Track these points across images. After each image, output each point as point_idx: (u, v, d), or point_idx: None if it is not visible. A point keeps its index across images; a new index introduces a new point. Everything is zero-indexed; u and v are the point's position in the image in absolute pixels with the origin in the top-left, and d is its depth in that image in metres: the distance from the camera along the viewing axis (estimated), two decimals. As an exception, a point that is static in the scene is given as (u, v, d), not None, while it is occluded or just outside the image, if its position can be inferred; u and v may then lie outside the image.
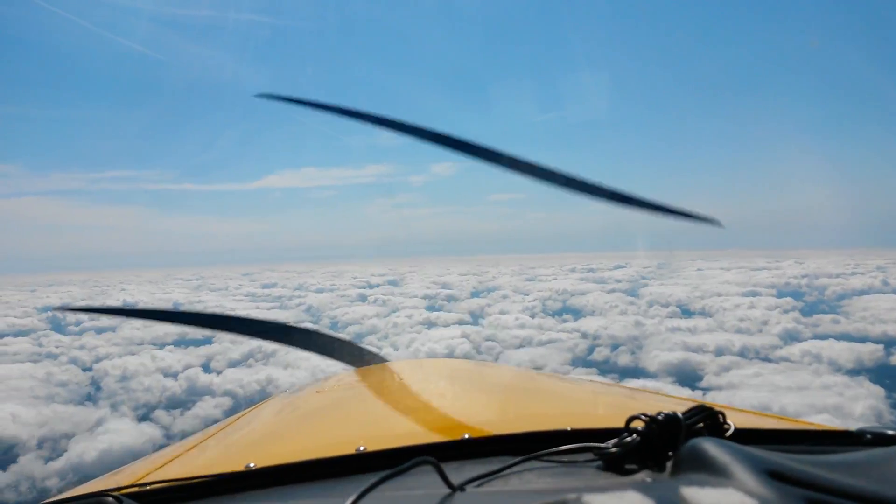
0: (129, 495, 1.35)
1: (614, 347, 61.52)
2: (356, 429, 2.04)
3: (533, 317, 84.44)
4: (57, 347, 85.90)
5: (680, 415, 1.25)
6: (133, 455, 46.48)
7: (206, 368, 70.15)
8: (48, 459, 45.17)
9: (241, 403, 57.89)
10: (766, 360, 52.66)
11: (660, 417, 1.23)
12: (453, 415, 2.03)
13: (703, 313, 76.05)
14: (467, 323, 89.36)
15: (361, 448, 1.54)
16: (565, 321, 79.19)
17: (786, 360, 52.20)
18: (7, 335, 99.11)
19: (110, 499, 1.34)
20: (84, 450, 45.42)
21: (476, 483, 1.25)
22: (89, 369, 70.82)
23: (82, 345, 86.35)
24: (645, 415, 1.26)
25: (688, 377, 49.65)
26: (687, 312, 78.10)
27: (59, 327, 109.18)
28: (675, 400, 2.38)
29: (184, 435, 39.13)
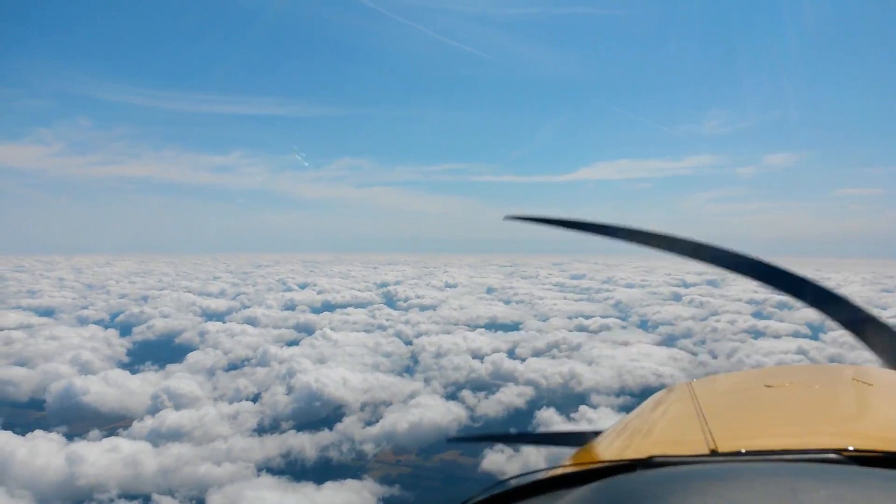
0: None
1: None
2: None
3: (898, 337, 68.95)
4: (387, 320, 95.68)
5: None
6: (439, 432, 48.00)
7: (512, 354, 70.87)
8: (367, 424, 48.88)
9: (542, 395, 56.77)
10: None
11: None
12: None
13: None
14: (804, 336, 77.42)
15: None
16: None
17: None
18: (350, 305, 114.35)
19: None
20: (397, 420, 48.07)
21: None
22: (410, 343, 76.69)
23: (407, 320, 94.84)
24: None
25: None
26: None
27: (391, 302, 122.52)
28: None
29: (487, 419, 37.33)
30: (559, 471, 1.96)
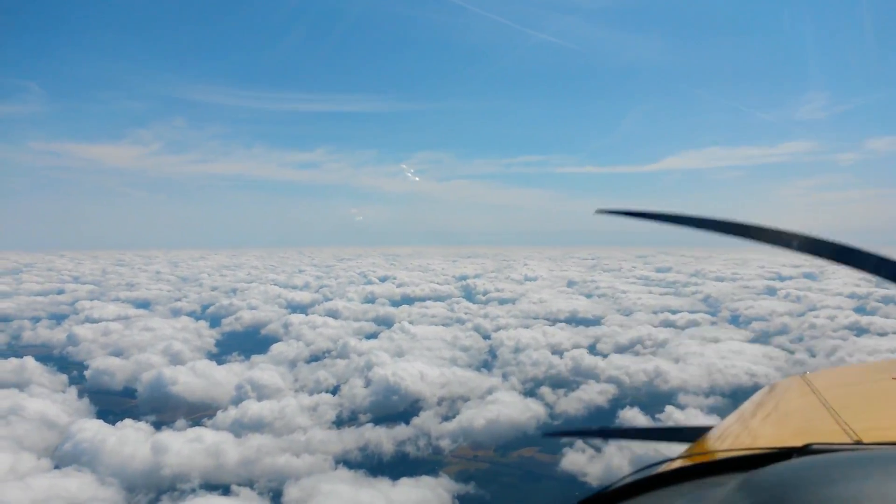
0: None
1: None
2: None
3: None
4: (465, 314, 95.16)
5: None
6: (517, 429, 46.90)
7: (593, 350, 68.81)
8: (444, 419, 48.32)
9: (626, 393, 54.67)
10: None
11: None
12: None
13: None
14: (916, 333, 71.44)
15: None
16: None
17: None
18: (429, 299, 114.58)
19: None
20: (474, 416, 47.26)
21: None
22: (488, 337, 75.81)
23: (486, 313, 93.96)
24: None
25: None
26: None
27: (469, 295, 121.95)
28: None
29: (567, 417, 35.88)
30: (701, 458, 1.90)
